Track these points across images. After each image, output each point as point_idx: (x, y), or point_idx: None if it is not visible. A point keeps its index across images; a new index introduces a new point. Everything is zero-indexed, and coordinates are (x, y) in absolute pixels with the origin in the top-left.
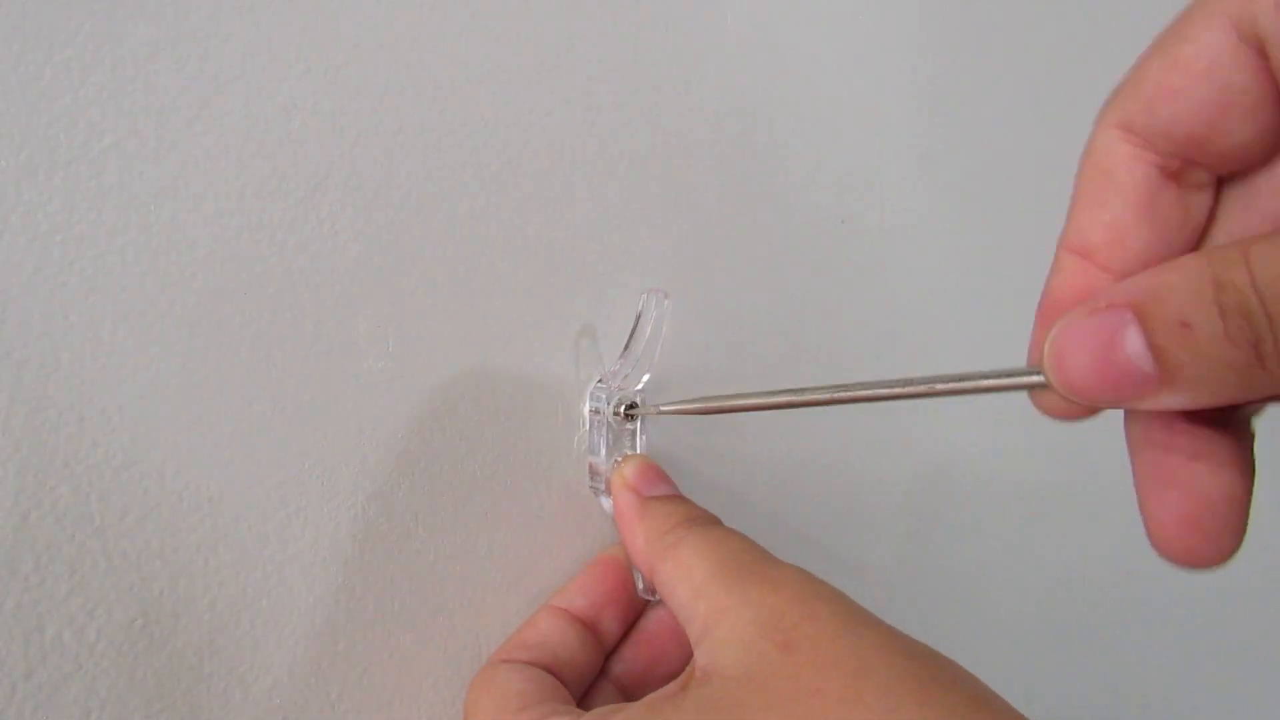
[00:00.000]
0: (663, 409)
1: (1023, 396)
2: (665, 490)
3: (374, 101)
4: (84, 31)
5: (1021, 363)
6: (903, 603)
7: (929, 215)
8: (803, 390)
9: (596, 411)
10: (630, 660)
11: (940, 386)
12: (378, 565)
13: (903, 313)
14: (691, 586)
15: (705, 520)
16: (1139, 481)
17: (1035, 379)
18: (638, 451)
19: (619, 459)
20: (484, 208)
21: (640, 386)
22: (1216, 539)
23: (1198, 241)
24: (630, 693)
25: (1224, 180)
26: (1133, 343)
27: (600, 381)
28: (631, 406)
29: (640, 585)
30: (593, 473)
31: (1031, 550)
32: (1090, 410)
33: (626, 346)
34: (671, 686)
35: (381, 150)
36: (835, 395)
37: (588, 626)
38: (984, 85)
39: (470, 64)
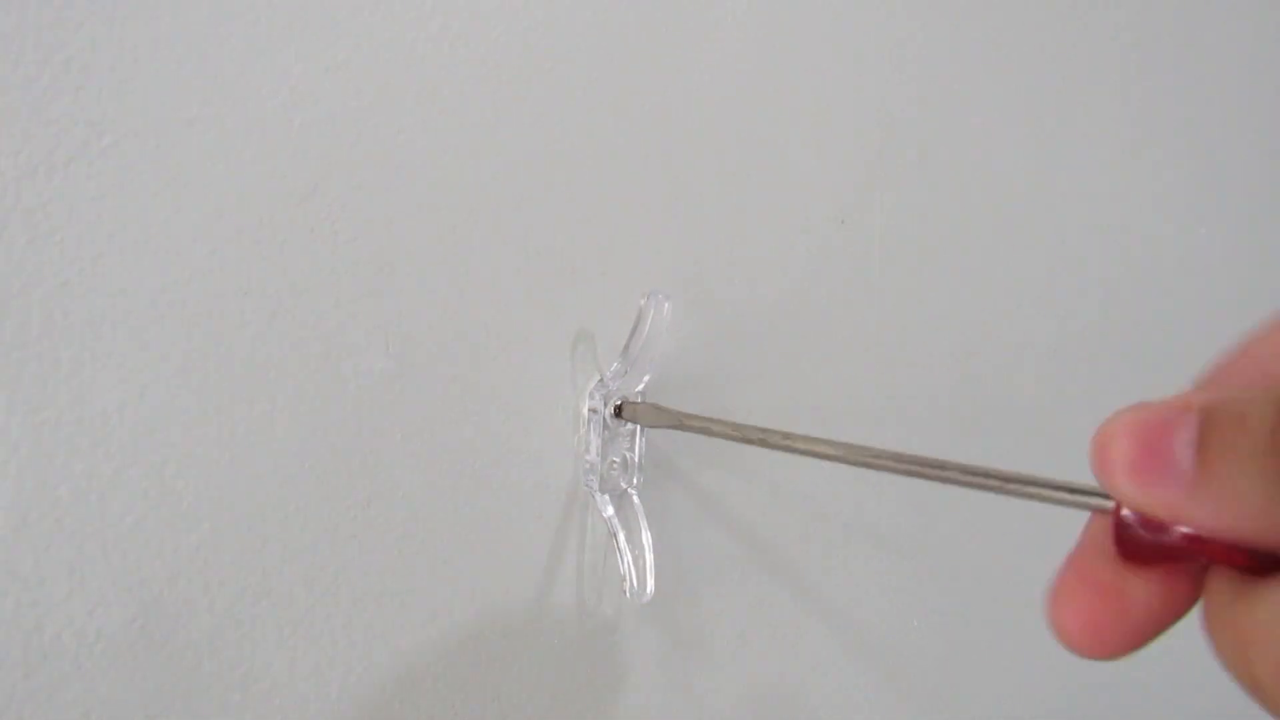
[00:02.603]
0: (652, 423)
1: None
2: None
3: (374, 101)
4: (84, 31)
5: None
6: (899, 593)
7: (929, 215)
8: (784, 434)
9: (594, 411)
10: None
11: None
12: (377, 566)
13: (901, 312)
14: None
15: None
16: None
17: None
18: (635, 453)
19: (618, 458)
20: (484, 207)
21: (641, 387)
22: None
23: None
24: None
25: None
26: (1183, 435)
27: (601, 381)
28: (621, 407)
29: None
30: (590, 471)
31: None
32: (1107, 649)
33: (626, 347)
34: None
35: (381, 150)
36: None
37: None
38: (984, 85)
39: (470, 64)
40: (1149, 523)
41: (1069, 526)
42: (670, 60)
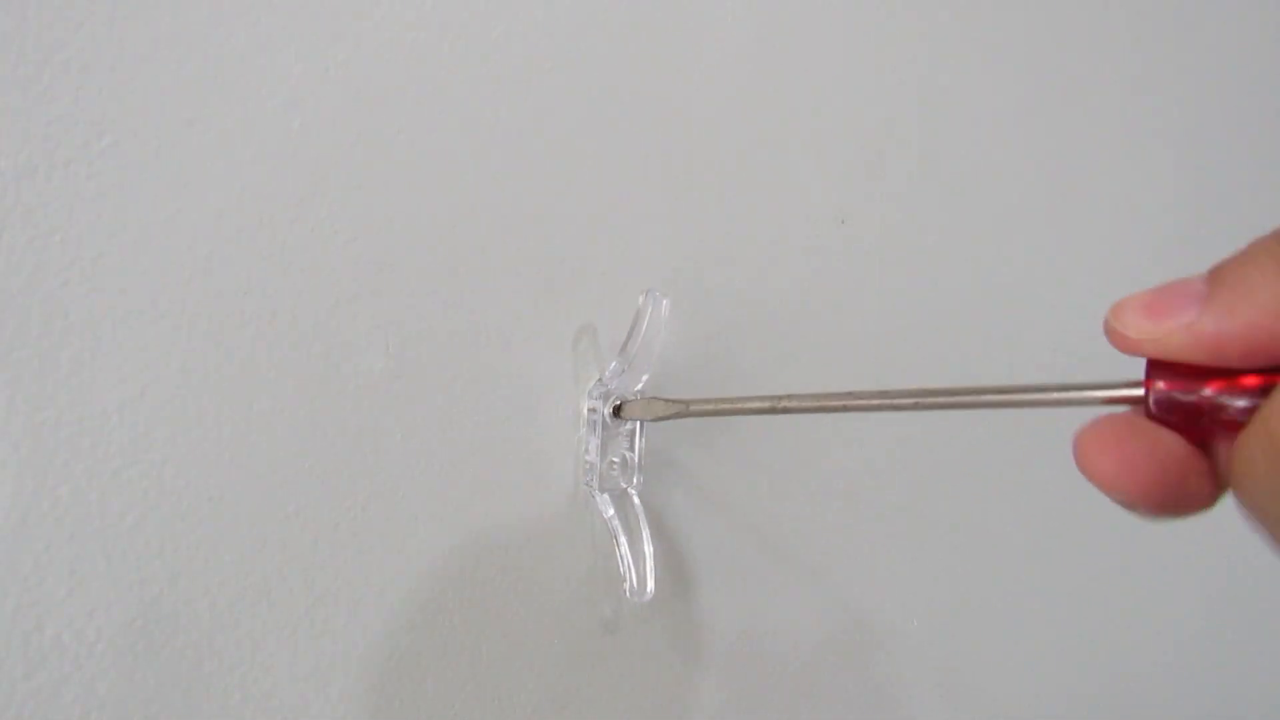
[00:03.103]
0: (651, 416)
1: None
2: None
3: (374, 101)
4: (84, 31)
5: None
6: (899, 594)
7: (929, 215)
8: (789, 397)
9: (593, 410)
10: None
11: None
12: (378, 566)
13: (902, 313)
14: None
15: None
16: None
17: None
18: (635, 453)
19: (618, 458)
20: (484, 207)
21: (640, 386)
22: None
23: None
24: None
25: None
26: (1192, 282)
27: (599, 381)
28: (620, 407)
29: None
30: (590, 471)
31: (1017, 543)
32: (1136, 478)
33: (624, 346)
34: None
35: (382, 150)
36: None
37: None
38: (984, 85)
39: (470, 64)
40: (1178, 384)
41: (1071, 522)
42: (671, 60)
